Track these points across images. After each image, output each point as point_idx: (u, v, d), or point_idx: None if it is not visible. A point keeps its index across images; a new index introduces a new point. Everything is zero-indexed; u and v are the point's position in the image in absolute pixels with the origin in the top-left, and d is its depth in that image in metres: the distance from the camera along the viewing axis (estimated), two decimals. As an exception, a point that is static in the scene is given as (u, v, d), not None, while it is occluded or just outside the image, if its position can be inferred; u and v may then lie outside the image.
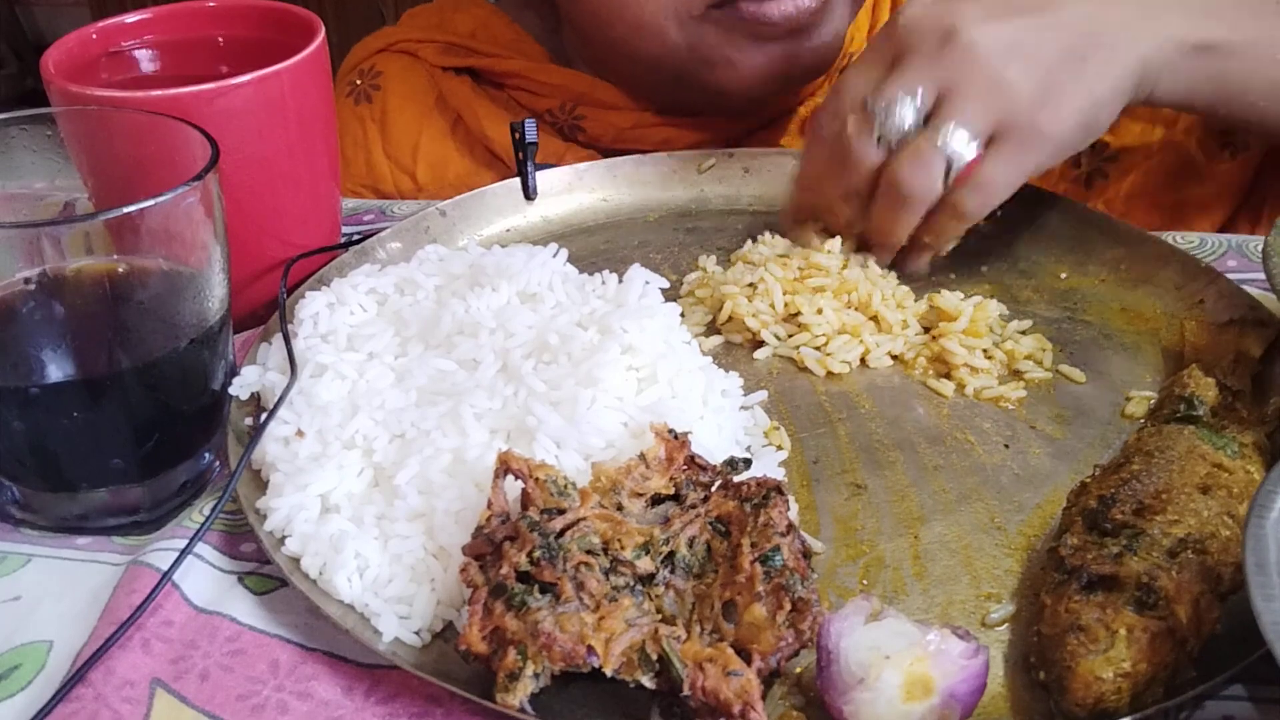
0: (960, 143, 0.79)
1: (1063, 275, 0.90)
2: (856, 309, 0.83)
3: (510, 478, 0.59)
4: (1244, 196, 1.08)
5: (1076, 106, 0.80)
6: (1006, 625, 0.60)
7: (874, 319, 0.82)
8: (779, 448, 0.72)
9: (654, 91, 1.13)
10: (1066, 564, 0.57)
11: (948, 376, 0.79)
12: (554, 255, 0.79)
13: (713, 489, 0.61)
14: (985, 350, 0.80)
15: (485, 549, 0.57)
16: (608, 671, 0.53)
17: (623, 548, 0.57)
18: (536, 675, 0.53)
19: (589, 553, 0.56)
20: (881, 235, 0.85)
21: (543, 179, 0.98)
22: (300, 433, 0.67)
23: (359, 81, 1.21)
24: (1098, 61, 0.80)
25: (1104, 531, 0.58)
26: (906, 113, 0.80)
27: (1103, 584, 0.55)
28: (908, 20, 0.82)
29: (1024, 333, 0.82)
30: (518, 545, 0.55)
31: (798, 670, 0.57)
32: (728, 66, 1.03)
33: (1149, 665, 0.52)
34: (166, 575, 0.62)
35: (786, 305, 0.82)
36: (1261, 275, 0.77)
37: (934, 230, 0.84)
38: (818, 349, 0.81)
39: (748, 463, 0.62)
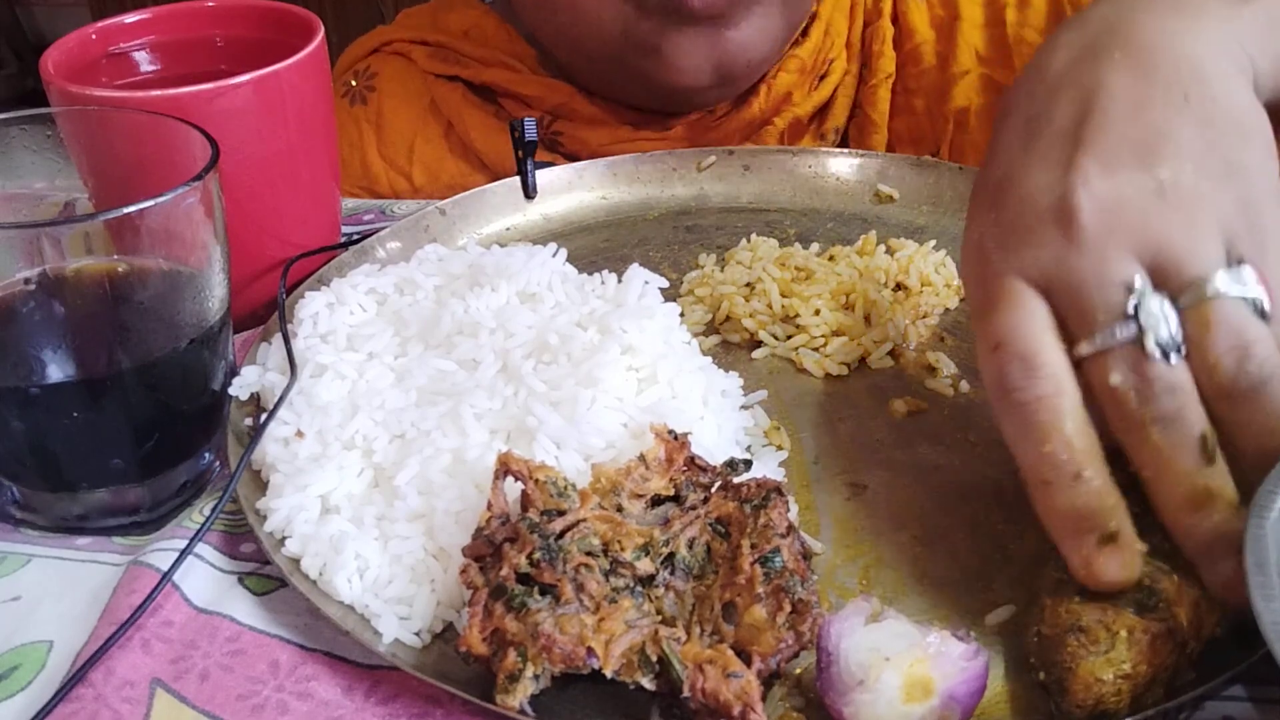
0: (1245, 279, 0.55)
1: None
2: (854, 309, 0.82)
3: (510, 479, 0.59)
4: None
5: (1242, 139, 0.58)
6: (1007, 626, 0.60)
7: (867, 319, 0.82)
8: (779, 448, 0.72)
9: (605, 85, 1.12)
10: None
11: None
12: (553, 255, 0.79)
13: (712, 490, 0.61)
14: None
15: (485, 550, 0.57)
16: (608, 673, 0.53)
17: (623, 549, 0.57)
18: (536, 677, 0.53)
19: (589, 554, 0.56)
20: (1264, 454, 0.54)
21: (542, 177, 0.98)
22: (300, 433, 0.67)
23: (354, 83, 1.20)
24: (1198, 96, 0.58)
25: (1104, 532, 0.58)
26: (1149, 299, 0.55)
27: (1103, 585, 0.55)
28: (982, 240, 0.60)
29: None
30: (518, 547, 0.55)
31: (798, 671, 0.57)
32: (658, 55, 1.03)
33: (1149, 667, 0.52)
34: (166, 575, 0.62)
35: (784, 306, 0.82)
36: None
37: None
38: (816, 350, 0.81)
39: (748, 464, 0.62)
